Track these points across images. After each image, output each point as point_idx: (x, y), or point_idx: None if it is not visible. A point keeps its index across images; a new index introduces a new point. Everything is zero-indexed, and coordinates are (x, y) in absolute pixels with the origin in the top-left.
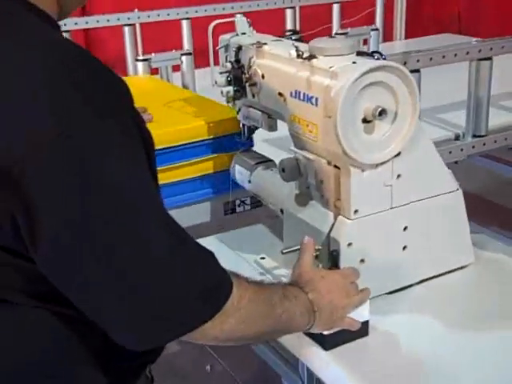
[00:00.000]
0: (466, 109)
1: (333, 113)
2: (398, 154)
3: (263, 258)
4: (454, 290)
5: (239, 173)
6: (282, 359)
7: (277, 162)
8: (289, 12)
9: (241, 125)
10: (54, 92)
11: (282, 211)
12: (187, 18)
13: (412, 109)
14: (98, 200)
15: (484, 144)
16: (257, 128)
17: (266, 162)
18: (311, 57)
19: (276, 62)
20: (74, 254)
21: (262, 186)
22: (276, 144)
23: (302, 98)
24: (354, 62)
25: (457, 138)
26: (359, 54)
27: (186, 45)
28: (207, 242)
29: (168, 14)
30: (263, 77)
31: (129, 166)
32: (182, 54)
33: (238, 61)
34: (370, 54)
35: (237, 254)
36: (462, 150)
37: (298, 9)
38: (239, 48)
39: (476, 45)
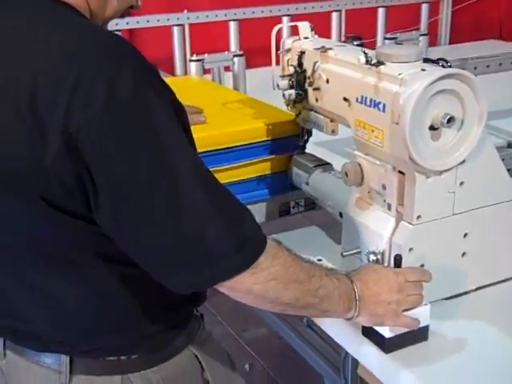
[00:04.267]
0: None
1: (401, 119)
2: (463, 161)
3: (320, 260)
4: (510, 298)
5: (297, 175)
6: (324, 359)
7: (333, 164)
8: (334, 15)
9: (300, 128)
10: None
11: (340, 214)
12: (235, 20)
13: (478, 116)
14: (147, 156)
15: None
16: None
17: (323, 164)
18: (379, 63)
19: (341, 67)
20: (126, 208)
21: (319, 188)
22: (327, 146)
23: (368, 103)
24: (422, 70)
25: (509, 145)
26: (426, 60)
27: (233, 46)
28: None
29: (216, 16)
30: (328, 81)
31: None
32: (234, 56)
33: (300, 65)
34: (436, 61)
35: None
36: None
37: (343, 12)
38: (302, 52)
39: None
